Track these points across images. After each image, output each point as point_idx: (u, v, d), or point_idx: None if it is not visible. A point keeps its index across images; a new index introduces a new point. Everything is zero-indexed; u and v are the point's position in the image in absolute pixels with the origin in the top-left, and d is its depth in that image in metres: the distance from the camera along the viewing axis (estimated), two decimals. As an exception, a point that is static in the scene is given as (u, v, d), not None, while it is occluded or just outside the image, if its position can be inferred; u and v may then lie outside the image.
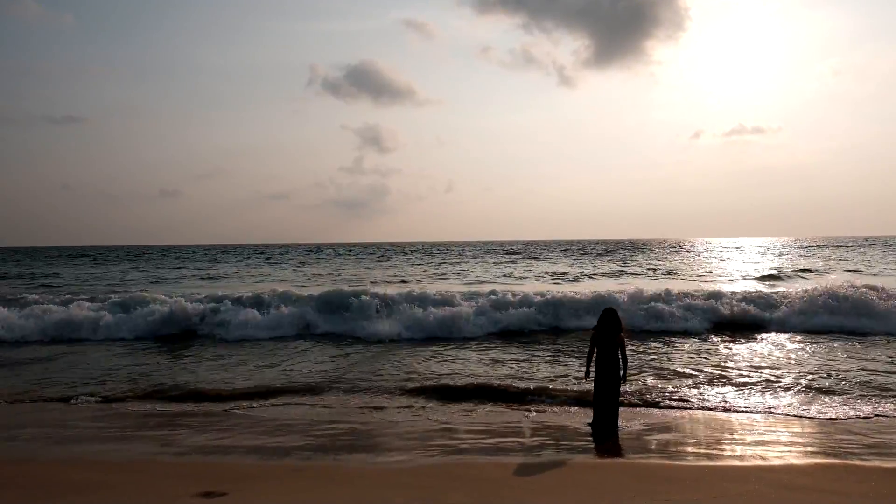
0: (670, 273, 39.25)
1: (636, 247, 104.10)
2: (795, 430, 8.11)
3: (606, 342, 8.08)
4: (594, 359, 8.17)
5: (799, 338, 15.16)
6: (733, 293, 19.27)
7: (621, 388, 8.30)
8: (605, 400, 8.05)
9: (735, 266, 45.90)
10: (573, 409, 9.33)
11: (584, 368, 8.51)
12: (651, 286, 23.39)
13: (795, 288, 21.80)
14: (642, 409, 9.22)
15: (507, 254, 73.42)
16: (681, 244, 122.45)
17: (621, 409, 8.40)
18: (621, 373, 8.09)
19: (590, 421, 8.30)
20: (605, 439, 7.77)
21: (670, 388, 10.33)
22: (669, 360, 12.68)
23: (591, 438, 7.83)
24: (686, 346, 14.33)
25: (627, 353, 8.24)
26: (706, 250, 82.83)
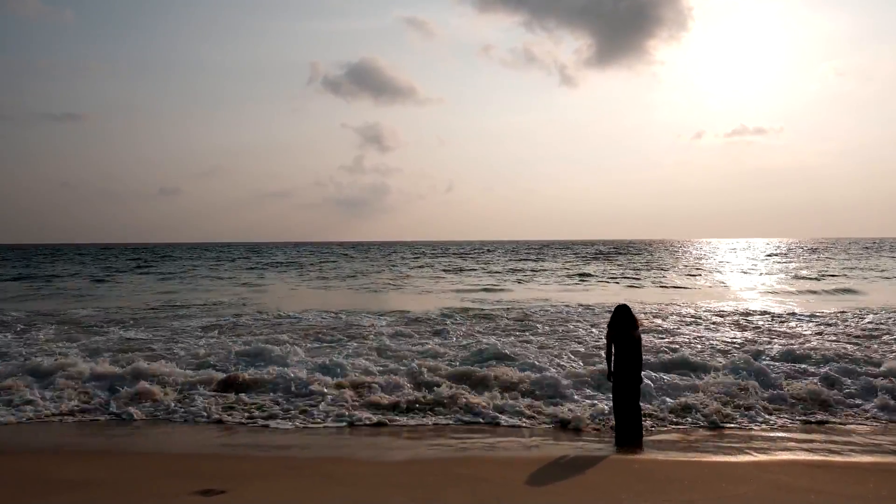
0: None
1: (644, 248, 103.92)
2: (796, 431, 8.12)
3: (624, 340, 7.62)
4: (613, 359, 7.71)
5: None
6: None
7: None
8: (627, 401, 7.62)
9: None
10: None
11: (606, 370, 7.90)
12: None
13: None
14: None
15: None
16: (683, 244, 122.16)
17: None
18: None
19: (594, 424, 8.31)
20: (630, 441, 7.50)
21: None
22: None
23: (590, 437, 7.83)
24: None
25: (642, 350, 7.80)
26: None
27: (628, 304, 8.08)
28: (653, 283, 33.23)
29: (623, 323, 7.68)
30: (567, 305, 21.38)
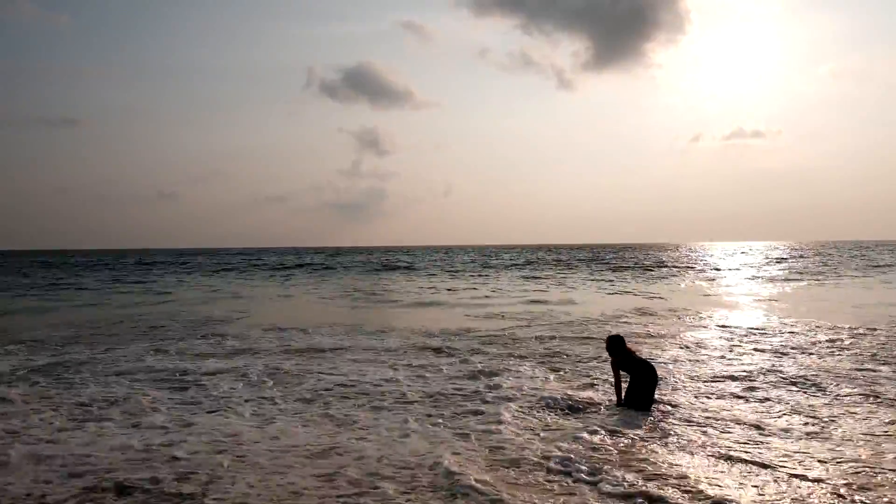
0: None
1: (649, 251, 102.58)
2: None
3: (632, 364, 8.25)
4: (626, 385, 8.35)
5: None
6: None
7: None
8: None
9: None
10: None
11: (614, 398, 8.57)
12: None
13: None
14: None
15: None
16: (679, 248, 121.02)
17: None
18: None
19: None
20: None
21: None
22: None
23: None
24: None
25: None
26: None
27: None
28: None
29: (623, 350, 8.32)
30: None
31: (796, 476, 5.83)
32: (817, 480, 5.71)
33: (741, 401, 8.75)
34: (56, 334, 16.38)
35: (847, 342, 13.70)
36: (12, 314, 22.57)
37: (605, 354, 9.06)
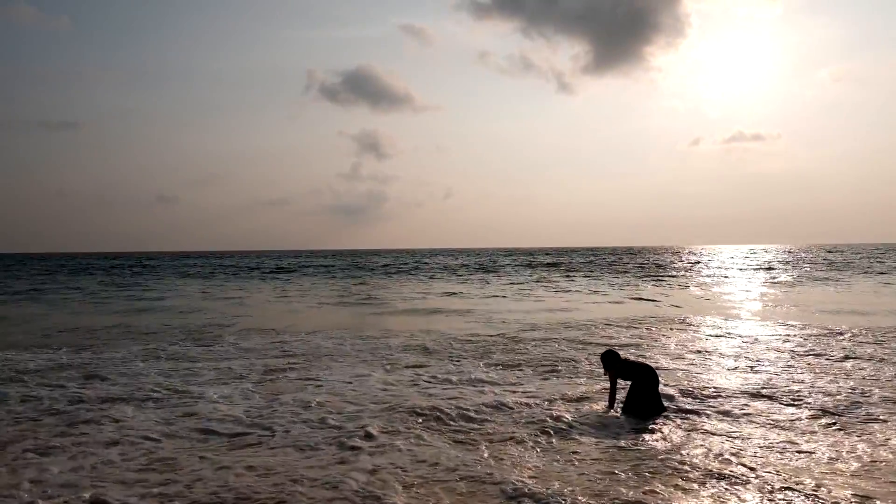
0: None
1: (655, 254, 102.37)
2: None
3: (631, 370, 8.26)
4: (632, 394, 8.26)
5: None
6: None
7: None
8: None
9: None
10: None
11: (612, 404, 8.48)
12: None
13: None
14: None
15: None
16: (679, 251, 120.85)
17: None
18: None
19: None
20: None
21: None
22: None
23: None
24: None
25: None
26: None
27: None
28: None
29: (617, 361, 8.31)
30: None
31: (809, 495, 5.58)
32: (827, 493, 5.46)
33: (750, 407, 8.47)
34: (52, 338, 16.15)
35: (859, 345, 13.51)
36: (8, 318, 22.31)
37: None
